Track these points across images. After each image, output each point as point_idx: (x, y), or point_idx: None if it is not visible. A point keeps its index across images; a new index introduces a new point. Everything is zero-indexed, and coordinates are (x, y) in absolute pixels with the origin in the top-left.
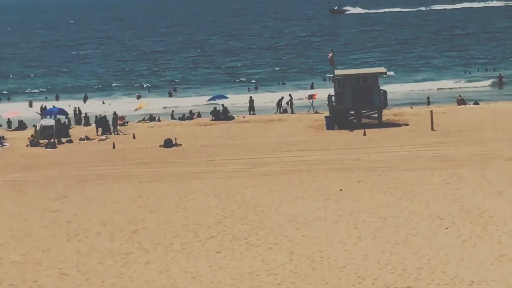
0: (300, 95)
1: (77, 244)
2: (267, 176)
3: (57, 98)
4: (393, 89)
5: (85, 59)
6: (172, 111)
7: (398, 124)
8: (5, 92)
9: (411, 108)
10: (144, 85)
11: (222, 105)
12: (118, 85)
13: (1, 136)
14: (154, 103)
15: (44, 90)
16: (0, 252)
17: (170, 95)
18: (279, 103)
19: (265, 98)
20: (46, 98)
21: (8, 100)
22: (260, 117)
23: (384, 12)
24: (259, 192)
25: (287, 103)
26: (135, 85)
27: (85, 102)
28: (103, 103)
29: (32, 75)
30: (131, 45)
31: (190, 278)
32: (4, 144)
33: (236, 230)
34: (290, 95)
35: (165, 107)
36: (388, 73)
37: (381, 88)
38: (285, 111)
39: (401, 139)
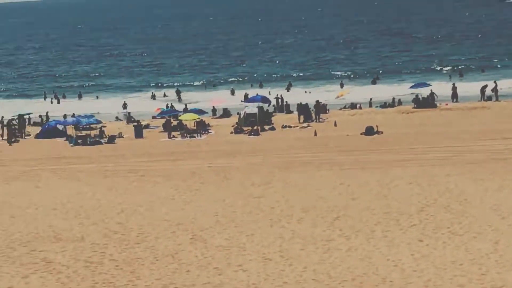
0: (507, 83)
1: (280, 230)
2: (471, 165)
3: (261, 86)
4: None
5: (285, 48)
6: (370, 99)
7: None
8: (211, 81)
9: None
10: (342, 74)
11: (431, 90)
12: (317, 73)
13: (207, 123)
14: (356, 91)
15: (247, 78)
16: (206, 236)
17: (374, 82)
18: (483, 90)
19: (469, 86)
20: (251, 85)
21: (213, 88)
22: (463, 105)
23: None
24: (462, 180)
25: (492, 90)
26: (332, 72)
27: (288, 91)
28: (305, 92)
29: (235, 64)
30: (327, 34)
31: (392, 266)
32: (209, 131)
33: (438, 218)
34: (495, 82)
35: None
36: None
37: None
38: (489, 98)
39: None
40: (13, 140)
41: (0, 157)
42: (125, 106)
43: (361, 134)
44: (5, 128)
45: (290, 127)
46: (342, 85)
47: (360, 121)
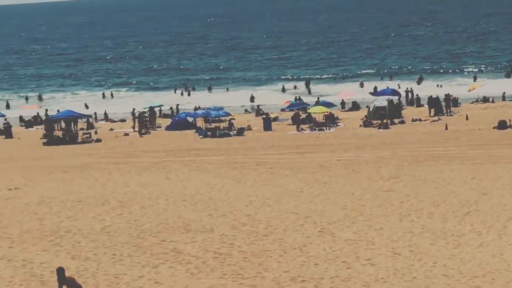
0: None
1: (409, 224)
2: None
3: (391, 78)
4: None
5: (415, 40)
6: (504, 92)
7: None
8: (340, 74)
9: None
10: (474, 67)
11: None
12: (448, 66)
13: (336, 116)
14: (489, 84)
15: (376, 71)
16: (334, 230)
17: (508, 76)
18: None
19: None
20: (381, 78)
21: (342, 80)
22: None
23: None
24: None
25: None
26: (463, 67)
27: (419, 84)
28: (437, 85)
29: (364, 56)
30: (459, 26)
31: None
32: (338, 124)
33: None
34: None
35: None
36: None
37: None
38: None
39: None
40: (144, 132)
41: (132, 149)
42: (252, 99)
43: (494, 128)
44: (136, 120)
45: (420, 120)
46: (475, 78)
47: (492, 114)
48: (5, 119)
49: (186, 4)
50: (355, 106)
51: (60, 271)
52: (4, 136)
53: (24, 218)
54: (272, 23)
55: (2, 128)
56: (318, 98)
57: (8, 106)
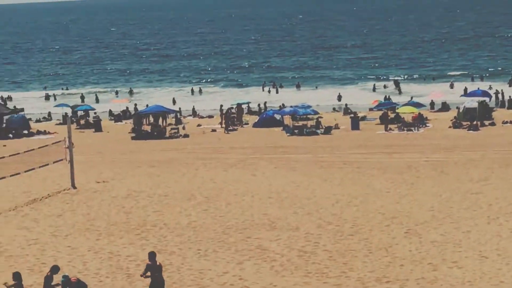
0: None
1: (497, 228)
2: None
3: (482, 79)
4: None
5: (508, 40)
6: None
7: None
8: (429, 75)
9: None
10: None
11: None
12: None
13: (425, 117)
14: None
15: (465, 72)
16: (421, 231)
17: None
18: None
19: None
20: (472, 79)
21: (432, 81)
22: None
23: None
24: None
25: None
26: None
27: (510, 86)
28: None
29: (455, 56)
30: None
31: None
32: (427, 125)
33: None
34: None
35: None
36: None
37: None
38: None
39: None
40: (230, 128)
41: (218, 145)
42: (339, 98)
43: None
44: (223, 117)
45: (511, 123)
46: None
47: None
48: (95, 113)
49: (274, 2)
50: (445, 107)
51: (152, 255)
52: (93, 130)
53: (112, 211)
54: (360, 22)
55: (92, 122)
56: (412, 97)
57: (97, 100)
